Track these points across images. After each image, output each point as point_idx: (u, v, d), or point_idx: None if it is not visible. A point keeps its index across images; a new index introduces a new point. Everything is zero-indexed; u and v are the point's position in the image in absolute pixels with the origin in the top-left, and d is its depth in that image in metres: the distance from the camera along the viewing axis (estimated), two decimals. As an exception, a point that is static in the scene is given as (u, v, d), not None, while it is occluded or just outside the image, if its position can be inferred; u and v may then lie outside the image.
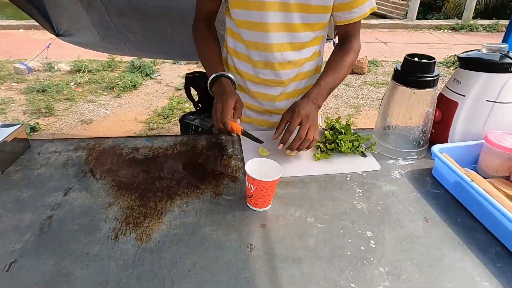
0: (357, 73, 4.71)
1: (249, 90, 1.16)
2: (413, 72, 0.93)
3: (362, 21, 1.08)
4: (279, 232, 0.74)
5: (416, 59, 0.94)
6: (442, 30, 7.37)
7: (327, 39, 1.14)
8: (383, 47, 6.15)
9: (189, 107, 3.67)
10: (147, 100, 3.91)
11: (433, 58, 0.93)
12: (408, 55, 0.95)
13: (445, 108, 1.00)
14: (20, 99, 3.80)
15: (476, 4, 7.60)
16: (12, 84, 4.18)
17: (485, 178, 0.85)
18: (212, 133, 1.30)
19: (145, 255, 0.68)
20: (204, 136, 1.10)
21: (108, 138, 1.07)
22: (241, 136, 1.08)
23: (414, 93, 0.94)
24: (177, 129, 3.27)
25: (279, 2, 0.96)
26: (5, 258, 0.66)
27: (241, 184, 0.88)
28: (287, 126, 0.91)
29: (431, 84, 0.93)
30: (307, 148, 0.92)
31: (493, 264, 0.67)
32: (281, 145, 0.92)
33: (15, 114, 3.47)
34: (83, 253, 0.68)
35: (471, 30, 7.35)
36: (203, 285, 0.62)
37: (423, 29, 7.40)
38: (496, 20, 7.54)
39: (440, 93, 1.03)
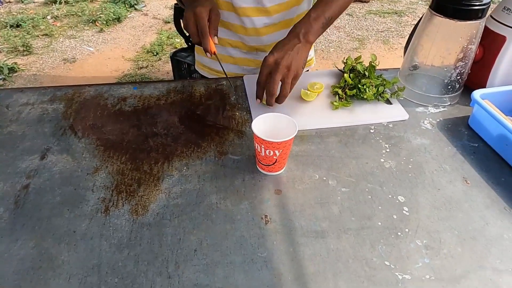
0: (361, 1, 4.31)
1: (228, 22, 0.96)
2: (458, -2, 0.75)
3: None
4: (298, 199, 0.64)
5: (463, -19, 0.75)
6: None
7: None
8: (389, -30, 5.58)
9: (179, 42, 3.38)
10: (134, 35, 3.58)
11: (485, -20, 0.75)
12: (454, -24, 0.76)
13: (488, 44, 0.84)
14: (-7, 35, 3.46)
15: None
16: (-18, 18, 3.77)
17: (532, 129, 0.73)
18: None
19: (142, 231, 0.58)
20: (202, 81, 0.95)
21: (89, 86, 0.91)
22: (245, 80, 0.93)
23: (457, 25, 0.77)
24: (168, 67, 3.04)
25: None
26: (-25, 240, 0.56)
27: (248, 141, 0.75)
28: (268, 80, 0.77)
29: (479, 14, 0.76)
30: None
31: (546, 233, 0.59)
32: (258, 100, 0.81)
33: (-10, 53, 3.18)
34: (69, 231, 0.57)
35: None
36: (214, 267, 0.53)
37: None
38: None
39: (484, 25, 0.86)
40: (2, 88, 0.92)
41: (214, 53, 0.77)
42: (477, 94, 0.77)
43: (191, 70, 2.32)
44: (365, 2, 4.33)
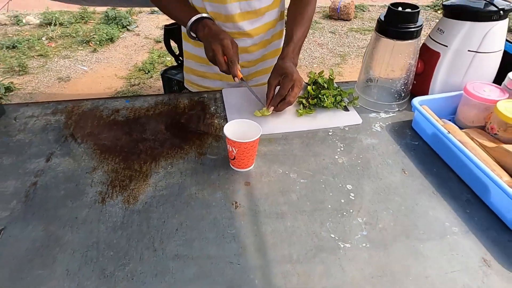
0: (344, 19, 4.56)
1: None
2: (396, 22, 0.91)
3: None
4: (263, 189, 0.76)
5: (400, 8, 0.91)
6: (432, -30, 7.05)
7: None
8: (370, -10, 5.88)
9: (170, 60, 3.54)
10: (126, 54, 3.74)
11: (417, 7, 0.91)
12: (392, 4, 0.92)
13: (428, 59, 0.99)
14: (-11, 56, 3.58)
15: None
16: (-21, 40, 3.90)
17: (462, 128, 0.87)
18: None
19: (133, 216, 0.70)
20: (186, 95, 1.08)
21: (86, 100, 1.04)
22: (223, 93, 1.07)
23: (397, 44, 0.92)
24: (159, 84, 3.19)
25: None
26: (-7, 226, 0.67)
27: (224, 143, 0.88)
28: (277, 90, 0.92)
29: (414, 35, 0.91)
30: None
31: (463, 210, 0.72)
32: (271, 108, 0.94)
33: (-13, 74, 3.29)
34: (72, 218, 0.69)
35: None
36: (191, 242, 0.65)
37: (412, -31, 7.06)
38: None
39: (424, 44, 1.02)
40: (10, 103, 1.05)
41: (241, 78, 0.93)
42: (416, 101, 0.91)
43: (181, 86, 2.46)
44: (347, 20, 4.57)
